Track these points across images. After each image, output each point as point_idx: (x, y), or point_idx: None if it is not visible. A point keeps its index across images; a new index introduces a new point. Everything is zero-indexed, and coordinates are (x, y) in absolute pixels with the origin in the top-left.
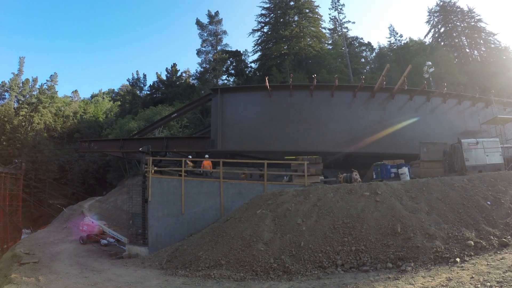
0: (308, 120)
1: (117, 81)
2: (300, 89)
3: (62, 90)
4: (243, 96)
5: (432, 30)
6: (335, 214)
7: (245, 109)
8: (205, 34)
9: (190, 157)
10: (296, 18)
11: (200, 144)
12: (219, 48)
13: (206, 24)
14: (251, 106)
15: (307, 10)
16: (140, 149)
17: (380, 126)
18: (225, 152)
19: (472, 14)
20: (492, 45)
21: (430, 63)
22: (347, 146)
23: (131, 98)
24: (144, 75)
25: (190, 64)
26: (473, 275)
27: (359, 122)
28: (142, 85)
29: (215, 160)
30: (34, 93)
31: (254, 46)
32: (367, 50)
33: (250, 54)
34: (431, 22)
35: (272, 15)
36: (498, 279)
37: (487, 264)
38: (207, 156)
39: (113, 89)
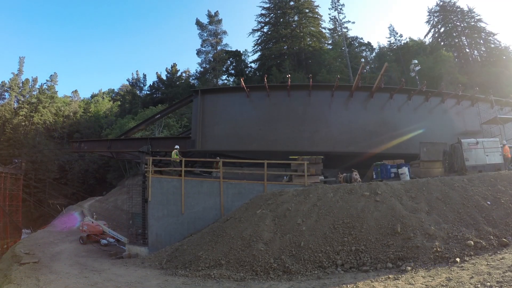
0: (286, 119)
1: (117, 81)
2: (277, 90)
3: (62, 90)
4: (223, 97)
5: (432, 30)
6: (335, 214)
7: (224, 110)
8: (205, 34)
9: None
10: (296, 18)
11: (181, 144)
12: (219, 48)
13: (206, 24)
14: (230, 107)
15: (307, 10)
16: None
17: (360, 126)
18: (205, 152)
19: (472, 14)
20: (492, 45)
21: (416, 61)
22: (325, 146)
23: (131, 98)
24: (144, 75)
25: (190, 64)
26: (473, 275)
27: (338, 121)
28: (142, 85)
29: (212, 160)
30: (34, 93)
31: (254, 46)
32: (367, 50)
33: (250, 54)
34: (431, 22)
35: (272, 15)
36: (498, 279)
37: (487, 264)
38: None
39: (113, 89)
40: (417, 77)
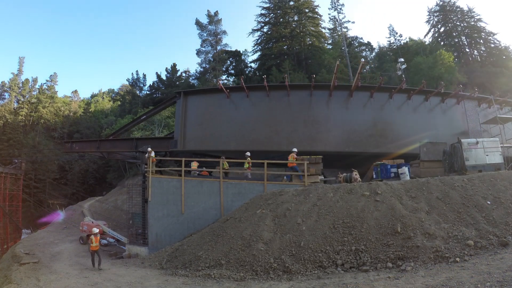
0: (265, 120)
1: (117, 81)
2: (257, 90)
3: (62, 90)
4: (204, 98)
5: (432, 30)
6: (335, 214)
7: (205, 111)
8: (205, 34)
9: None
10: (296, 18)
11: (165, 144)
12: (218, 48)
13: (206, 24)
14: (211, 108)
15: (306, 10)
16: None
17: (340, 125)
18: (186, 152)
19: (472, 14)
20: (492, 45)
21: (402, 59)
22: (302, 145)
23: (131, 98)
24: (144, 75)
25: (190, 64)
26: (473, 275)
27: (316, 121)
28: (142, 85)
29: (212, 160)
30: (34, 93)
31: (254, 46)
32: (367, 50)
33: (250, 54)
34: (431, 22)
35: (272, 15)
36: (498, 279)
37: (487, 264)
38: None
39: (113, 89)
40: (403, 75)
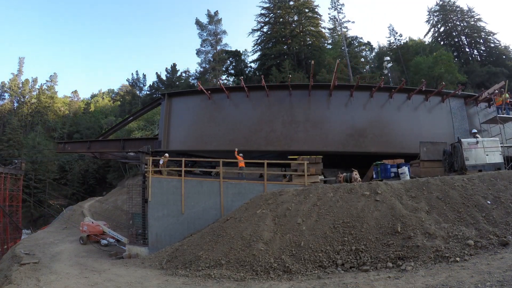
0: (245, 120)
1: (117, 81)
2: (237, 91)
3: (62, 90)
4: (188, 99)
5: (432, 30)
6: (335, 214)
7: (188, 112)
8: (205, 34)
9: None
10: (295, 18)
11: (150, 144)
12: (218, 48)
13: (206, 24)
14: (194, 109)
15: (306, 10)
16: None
17: (320, 124)
18: (170, 152)
19: (472, 14)
20: (492, 45)
21: (388, 58)
22: (279, 145)
23: (131, 98)
24: (144, 75)
25: (190, 64)
26: (473, 274)
27: (294, 120)
28: (142, 85)
29: (212, 161)
30: (34, 93)
31: (253, 46)
32: (366, 49)
33: (249, 54)
34: (431, 21)
35: (272, 14)
36: (498, 278)
37: (487, 264)
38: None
39: (113, 89)
40: (389, 74)
